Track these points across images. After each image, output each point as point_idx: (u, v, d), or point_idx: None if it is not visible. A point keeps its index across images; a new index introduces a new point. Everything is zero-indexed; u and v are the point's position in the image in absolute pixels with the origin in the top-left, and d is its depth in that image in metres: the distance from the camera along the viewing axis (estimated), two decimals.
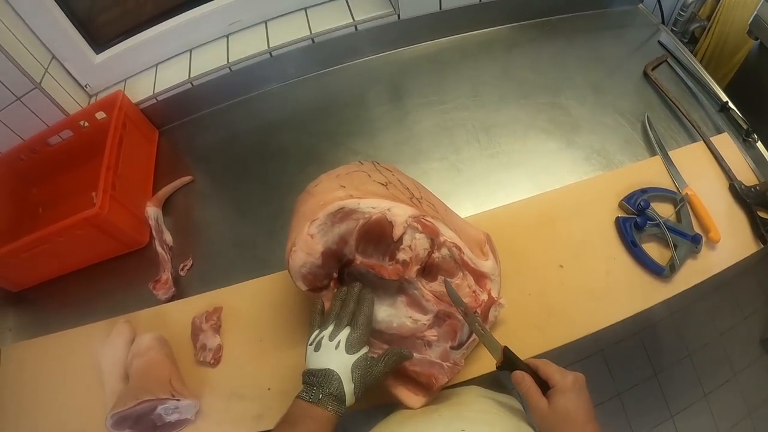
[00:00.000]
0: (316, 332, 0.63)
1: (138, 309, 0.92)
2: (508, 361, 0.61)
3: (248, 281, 0.89)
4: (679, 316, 1.70)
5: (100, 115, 1.07)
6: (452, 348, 0.69)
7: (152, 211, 1.01)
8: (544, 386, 0.58)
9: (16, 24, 0.97)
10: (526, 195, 0.92)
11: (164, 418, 0.77)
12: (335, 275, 0.70)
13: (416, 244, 0.68)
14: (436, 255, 0.69)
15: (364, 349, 0.61)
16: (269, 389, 0.79)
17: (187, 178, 1.08)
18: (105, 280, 1.01)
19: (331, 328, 0.62)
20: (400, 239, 0.67)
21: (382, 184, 0.72)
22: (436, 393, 0.67)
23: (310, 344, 0.62)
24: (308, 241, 0.66)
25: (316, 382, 0.58)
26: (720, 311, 1.73)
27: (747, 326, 1.72)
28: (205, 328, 0.85)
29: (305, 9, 1.13)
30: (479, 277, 0.73)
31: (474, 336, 0.71)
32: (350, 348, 0.60)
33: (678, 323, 1.70)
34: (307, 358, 0.62)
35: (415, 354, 0.67)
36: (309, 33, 1.09)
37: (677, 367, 1.65)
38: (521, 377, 0.59)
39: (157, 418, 0.77)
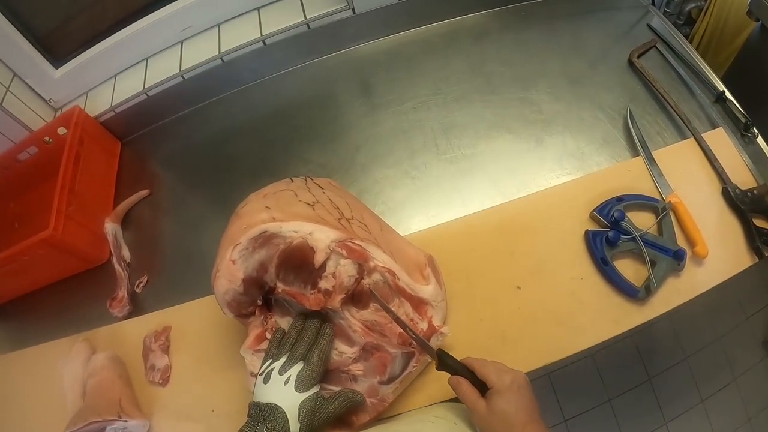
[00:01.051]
0: (268, 362, 0.60)
1: (100, 324, 0.93)
2: (444, 365, 0.60)
3: (196, 300, 0.88)
4: (676, 316, 1.60)
5: (62, 130, 1.07)
6: (381, 383, 0.65)
7: (110, 228, 1.01)
8: (483, 386, 0.57)
9: None
10: (487, 204, 0.85)
11: None
12: (259, 302, 0.67)
13: (341, 270, 0.64)
14: (366, 281, 0.65)
15: (315, 388, 0.59)
16: (213, 411, 0.78)
17: (143, 192, 1.07)
18: (70, 295, 1.02)
19: (283, 360, 0.60)
20: (323, 266, 0.64)
21: (309, 204, 0.69)
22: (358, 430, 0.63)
23: (260, 374, 0.60)
24: (230, 267, 0.63)
25: (261, 417, 0.55)
26: (720, 311, 1.62)
27: (749, 327, 1.61)
28: (154, 348, 0.85)
29: (258, 9, 1.08)
30: (418, 303, 0.69)
31: (410, 369, 0.67)
32: (300, 385, 0.57)
33: (674, 324, 1.61)
34: (255, 389, 0.60)
35: (338, 389, 0.64)
36: (260, 35, 1.04)
37: (673, 370, 1.56)
38: (456, 382, 0.58)
39: None
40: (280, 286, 0.65)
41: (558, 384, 1.34)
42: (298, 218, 0.65)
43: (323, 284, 0.64)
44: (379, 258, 0.66)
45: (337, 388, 0.64)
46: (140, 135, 1.19)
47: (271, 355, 0.61)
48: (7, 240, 1.10)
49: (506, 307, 0.75)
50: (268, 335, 0.66)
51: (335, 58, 1.14)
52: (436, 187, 0.90)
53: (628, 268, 0.75)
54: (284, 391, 0.57)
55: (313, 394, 0.58)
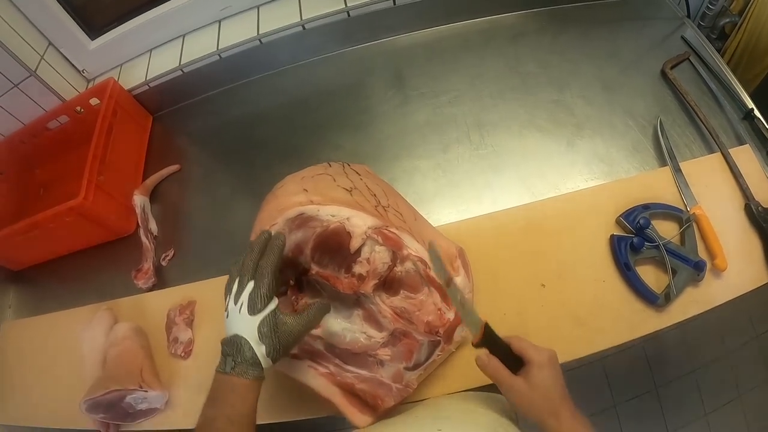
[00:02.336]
0: (226, 299, 0.57)
1: (123, 294, 0.95)
2: (487, 339, 0.57)
3: (223, 277, 0.88)
4: (687, 328, 1.58)
5: (94, 101, 1.08)
6: (407, 369, 0.66)
7: (139, 200, 1.02)
8: (513, 365, 0.56)
9: (12, 13, 0.99)
10: (516, 201, 0.86)
11: (134, 406, 0.80)
12: (292, 283, 0.68)
13: (375, 257, 0.64)
14: (398, 269, 0.66)
15: (271, 305, 0.55)
16: None
17: (174, 167, 1.08)
18: (95, 264, 1.04)
19: (235, 288, 0.56)
20: (358, 251, 0.64)
21: (347, 190, 0.69)
22: (382, 414, 0.64)
23: (225, 311, 0.57)
24: None
25: (228, 351, 0.54)
26: (731, 327, 1.61)
27: (758, 345, 1.60)
28: (178, 322, 0.86)
29: None
30: (446, 294, 0.69)
31: (434, 357, 0.67)
32: (252, 308, 0.54)
33: (686, 336, 1.60)
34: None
35: (365, 372, 0.65)
36: (299, 19, 1.04)
37: (680, 382, 1.56)
38: (487, 360, 0.56)
39: (127, 406, 0.79)
40: (315, 268, 0.65)
41: (567, 385, 1.34)
42: (336, 203, 0.66)
43: (357, 269, 0.64)
44: (413, 247, 0.66)
45: (363, 371, 0.65)
46: (172, 110, 1.20)
47: (228, 289, 0.57)
48: (32, 206, 1.13)
49: (530, 304, 0.76)
50: None
51: (371, 48, 1.14)
52: (467, 182, 0.91)
53: (649, 275, 0.75)
54: (240, 319, 0.54)
55: (269, 313, 0.54)
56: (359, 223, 0.64)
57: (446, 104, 1.01)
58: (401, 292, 0.68)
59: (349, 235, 0.63)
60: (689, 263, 0.74)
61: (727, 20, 1.16)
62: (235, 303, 0.55)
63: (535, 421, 0.54)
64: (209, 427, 0.50)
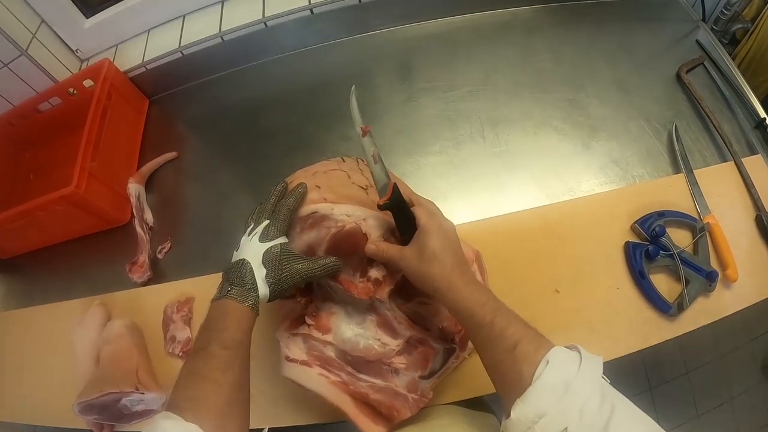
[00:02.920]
0: (245, 230, 0.60)
1: (116, 287, 0.90)
2: (394, 201, 0.55)
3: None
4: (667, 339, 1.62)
5: (88, 82, 1.02)
6: (422, 377, 0.63)
7: (134, 188, 0.97)
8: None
9: None
10: (530, 202, 0.83)
11: (130, 408, 0.76)
12: (303, 286, 0.64)
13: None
14: None
15: (281, 239, 0.57)
16: None
17: (171, 154, 1.03)
18: (87, 254, 0.99)
19: (251, 226, 0.59)
20: None
21: (362, 188, 0.66)
22: (397, 426, 0.61)
23: (236, 250, 0.59)
24: None
25: (227, 277, 0.55)
26: (726, 332, 1.62)
27: (751, 350, 1.61)
28: (176, 319, 0.83)
29: None
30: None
31: (448, 364, 0.65)
32: (264, 237, 0.57)
33: (680, 339, 1.61)
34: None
35: (379, 381, 0.62)
36: (308, 3, 0.99)
37: (673, 383, 1.57)
38: (375, 247, 0.56)
39: (123, 408, 0.76)
40: None
41: None
42: (351, 201, 0.62)
43: (373, 273, 0.61)
44: None
45: (377, 381, 0.62)
46: (169, 94, 1.14)
47: (244, 230, 0.60)
48: (21, 192, 1.08)
49: (544, 310, 0.74)
50: (309, 320, 0.64)
51: (381, 36, 1.10)
52: (480, 181, 0.88)
53: (662, 284, 0.74)
54: (249, 245, 0.57)
55: (278, 244, 0.56)
56: (376, 224, 0.60)
57: (459, 99, 0.97)
58: (415, 297, 0.65)
59: (365, 236, 0.60)
60: (702, 273, 0.73)
61: (740, 26, 1.14)
62: (249, 235, 0.58)
63: (429, 291, 0.53)
64: (202, 352, 0.50)
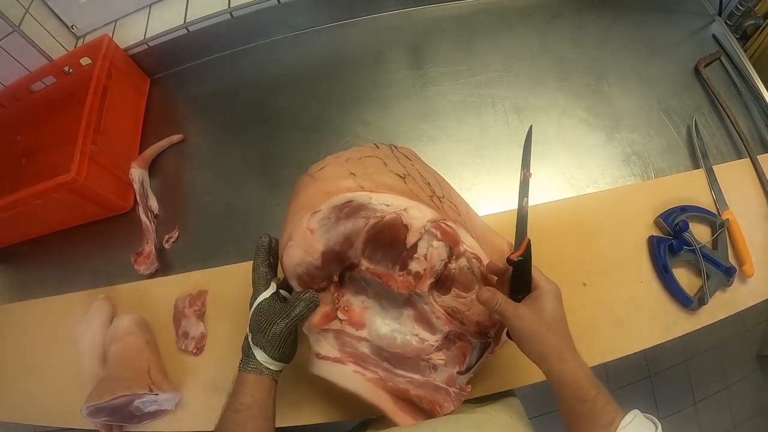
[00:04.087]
0: None
1: (120, 279, 0.86)
2: (524, 259, 0.54)
3: (238, 264, 0.81)
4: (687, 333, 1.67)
5: (85, 60, 0.96)
6: (459, 373, 0.61)
7: (137, 173, 0.91)
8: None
9: None
10: (556, 194, 0.83)
11: (142, 409, 0.73)
12: (335, 279, 0.61)
13: (433, 253, 0.58)
14: (452, 266, 0.60)
15: (264, 293, 0.58)
16: None
17: (176, 137, 0.98)
18: (87, 244, 0.94)
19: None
20: (415, 247, 0.58)
21: (400, 177, 0.62)
22: None
23: None
24: (307, 237, 0.56)
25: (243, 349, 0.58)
26: (722, 321, 1.65)
27: (746, 340, 1.65)
28: (188, 314, 0.78)
29: None
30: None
31: (483, 358, 0.62)
32: (251, 307, 0.59)
33: None
34: None
35: (417, 376, 0.59)
36: None
37: (672, 371, 1.60)
38: (492, 293, 0.53)
39: (135, 409, 0.72)
40: (365, 264, 0.59)
41: None
42: (390, 190, 0.59)
43: (414, 266, 0.58)
44: (468, 242, 0.60)
45: (416, 376, 0.60)
46: (172, 73, 1.08)
47: None
48: (13, 177, 1.01)
49: (571, 303, 0.70)
50: (340, 314, 0.60)
51: (401, 16, 1.05)
52: (506, 170, 0.85)
53: (683, 278, 0.74)
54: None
55: (256, 305, 0.58)
56: (418, 215, 0.57)
57: (482, 84, 0.95)
58: (452, 290, 0.62)
59: (406, 228, 0.56)
60: (721, 268, 0.75)
61: (752, 22, 1.15)
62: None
63: (536, 356, 0.52)
64: (222, 416, 0.54)
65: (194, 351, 0.77)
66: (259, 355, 0.55)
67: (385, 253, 0.58)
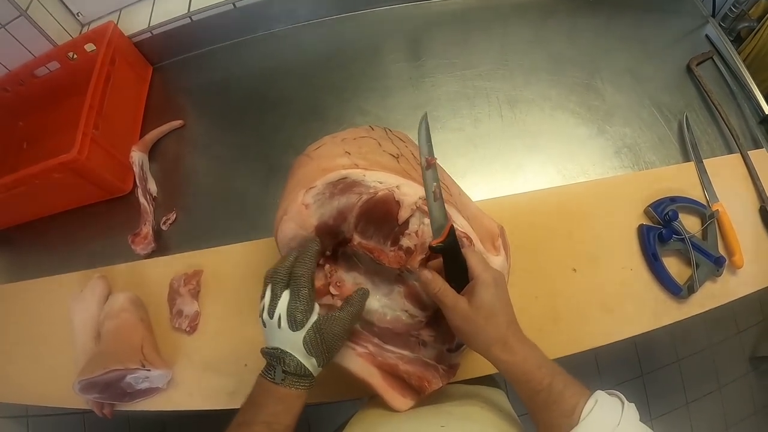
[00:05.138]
0: (260, 303, 0.53)
1: (118, 260, 0.87)
2: (448, 244, 0.51)
3: (233, 245, 0.82)
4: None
5: (90, 47, 0.97)
6: (449, 350, 0.61)
7: (137, 157, 0.93)
8: (462, 283, 0.52)
9: None
10: (548, 183, 0.84)
11: (133, 386, 0.73)
12: (328, 253, 0.62)
13: (424, 230, 0.59)
14: None
15: (313, 317, 0.51)
16: (246, 365, 0.74)
17: (176, 123, 0.99)
18: (85, 225, 0.95)
19: (268, 298, 0.51)
20: (406, 223, 0.59)
21: (393, 156, 0.64)
22: (425, 398, 0.60)
23: (259, 316, 0.53)
24: (302, 212, 0.57)
25: (273, 360, 0.51)
26: (716, 322, 1.69)
27: (739, 341, 1.68)
28: (183, 293, 0.79)
29: None
30: None
31: None
32: (293, 324, 0.50)
33: (673, 328, 1.68)
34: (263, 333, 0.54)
35: (407, 352, 0.60)
36: None
37: (664, 371, 1.62)
38: (431, 276, 0.51)
39: (127, 386, 0.73)
40: (357, 239, 0.60)
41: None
42: (383, 169, 0.60)
43: (405, 242, 0.59)
44: (458, 222, 0.61)
45: (405, 352, 0.61)
46: (175, 62, 1.10)
47: (261, 295, 0.53)
48: (14, 161, 1.03)
49: (561, 288, 0.75)
50: (333, 290, 0.62)
51: (398, 11, 1.08)
52: (499, 159, 0.87)
53: (673, 266, 0.76)
54: (282, 334, 0.50)
55: (312, 325, 0.50)
56: (409, 192, 0.58)
57: (477, 77, 0.97)
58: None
59: (398, 204, 0.58)
60: (710, 258, 0.76)
61: (746, 24, 1.17)
62: (271, 316, 0.51)
63: (481, 350, 0.50)
64: (247, 430, 0.48)
65: (188, 329, 0.77)
66: (315, 372, 0.52)
67: (377, 229, 0.59)
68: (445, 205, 0.60)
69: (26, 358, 0.84)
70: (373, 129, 0.67)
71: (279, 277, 0.51)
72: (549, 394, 0.46)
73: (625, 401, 0.46)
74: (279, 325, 0.50)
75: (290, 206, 0.58)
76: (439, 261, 0.54)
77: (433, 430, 0.52)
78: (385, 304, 0.62)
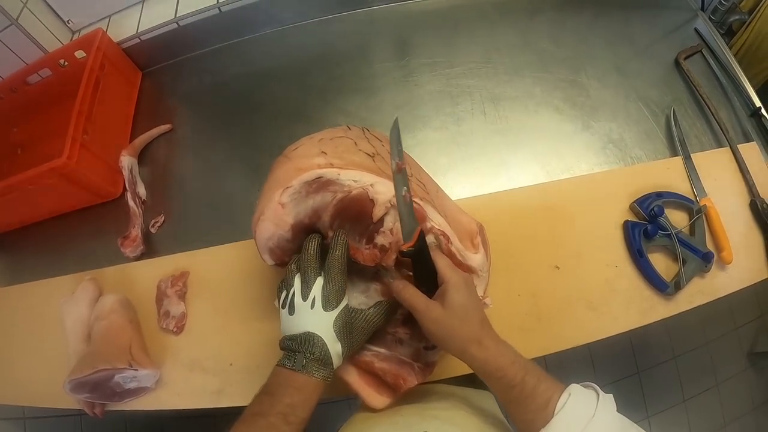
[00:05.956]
0: (284, 293, 0.55)
1: (108, 263, 0.88)
2: (418, 249, 0.52)
3: (219, 246, 0.84)
4: (672, 317, 1.65)
5: (80, 53, 0.99)
6: (426, 348, 0.62)
7: (126, 161, 0.94)
8: (432, 287, 0.53)
9: None
10: (531, 180, 0.84)
11: (122, 385, 0.74)
12: None
13: (398, 228, 0.60)
14: None
15: (344, 301, 0.54)
16: (231, 364, 0.75)
17: (165, 127, 1.01)
18: (77, 230, 0.97)
19: (298, 283, 0.54)
20: (381, 221, 0.60)
21: (369, 155, 0.64)
22: (401, 395, 0.60)
23: (283, 307, 0.55)
24: (278, 211, 0.59)
25: (297, 347, 0.51)
26: (713, 318, 1.67)
27: (737, 337, 1.66)
28: (170, 294, 0.81)
29: None
30: (466, 271, 0.65)
31: None
32: (327, 304, 0.52)
33: (669, 324, 1.66)
34: (282, 324, 0.55)
35: (383, 350, 0.61)
36: None
37: (661, 368, 1.60)
38: (402, 285, 0.53)
39: (116, 385, 0.74)
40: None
41: (552, 366, 1.35)
42: (358, 168, 0.61)
43: (380, 240, 0.60)
44: (436, 220, 0.62)
45: (381, 349, 0.61)
46: (163, 67, 1.12)
47: (286, 283, 0.56)
48: (8, 167, 1.04)
49: (544, 286, 0.75)
50: None
51: (382, 12, 1.08)
52: (482, 157, 0.87)
53: (660, 263, 0.75)
54: (313, 315, 0.52)
55: (343, 308, 0.53)
56: (383, 190, 0.59)
57: (460, 75, 0.97)
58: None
59: (372, 202, 0.58)
60: (698, 254, 0.75)
61: (737, 17, 1.16)
62: (304, 299, 0.53)
63: (456, 352, 0.50)
64: (262, 421, 0.48)
65: (175, 330, 0.79)
66: (336, 362, 0.52)
67: (352, 227, 0.60)
68: (422, 203, 0.61)
69: (21, 360, 0.85)
70: (350, 129, 0.68)
71: (309, 263, 0.54)
72: (522, 388, 0.47)
73: (601, 393, 0.46)
74: (312, 307, 0.52)
75: (267, 206, 0.59)
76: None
77: None
78: (361, 301, 0.62)
